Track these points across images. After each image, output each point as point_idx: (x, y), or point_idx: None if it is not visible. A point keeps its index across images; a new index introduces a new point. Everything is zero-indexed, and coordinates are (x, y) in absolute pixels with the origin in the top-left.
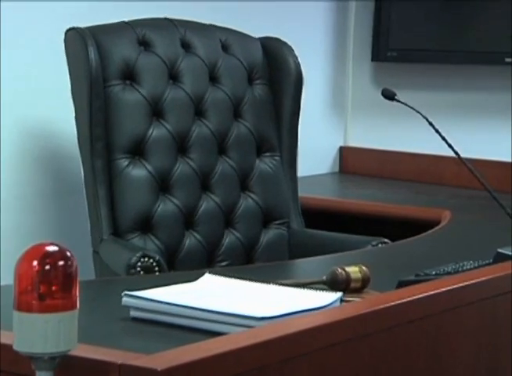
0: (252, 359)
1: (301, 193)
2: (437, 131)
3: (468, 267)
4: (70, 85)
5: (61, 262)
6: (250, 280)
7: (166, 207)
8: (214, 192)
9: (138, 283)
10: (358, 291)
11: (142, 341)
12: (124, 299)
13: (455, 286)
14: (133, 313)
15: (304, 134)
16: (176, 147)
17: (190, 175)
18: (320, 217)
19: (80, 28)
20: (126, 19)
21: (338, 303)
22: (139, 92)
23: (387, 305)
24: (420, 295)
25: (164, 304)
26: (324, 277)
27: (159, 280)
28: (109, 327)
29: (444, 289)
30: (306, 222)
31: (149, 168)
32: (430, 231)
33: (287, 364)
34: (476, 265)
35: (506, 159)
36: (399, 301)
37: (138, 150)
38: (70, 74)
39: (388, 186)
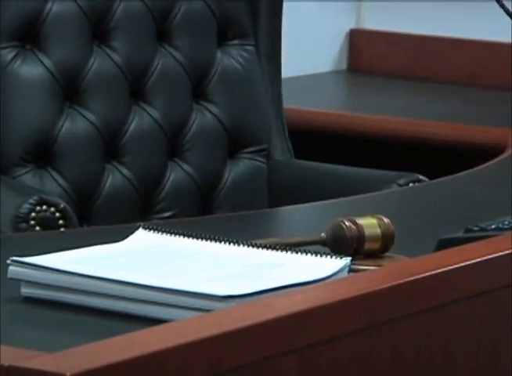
0: (211, 358)
1: (287, 104)
2: (499, 2)
3: None
4: None
5: None
6: (209, 238)
7: (74, 124)
8: (151, 101)
9: (32, 244)
10: (375, 254)
11: (39, 332)
12: (12, 269)
13: None
14: (25, 290)
15: (292, 11)
16: (90, 29)
17: (112, 74)
18: (318, 141)
19: None
20: None
21: (345, 274)
22: None
23: (421, 275)
24: (472, 261)
25: (74, 276)
26: (324, 234)
27: (65, 240)
28: None
29: (508, 252)
30: (296, 150)
31: (47, 62)
32: (488, 163)
33: (266, 366)
34: None
35: None
36: (439, 271)
37: (30, 35)
38: None
39: (422, 92)
